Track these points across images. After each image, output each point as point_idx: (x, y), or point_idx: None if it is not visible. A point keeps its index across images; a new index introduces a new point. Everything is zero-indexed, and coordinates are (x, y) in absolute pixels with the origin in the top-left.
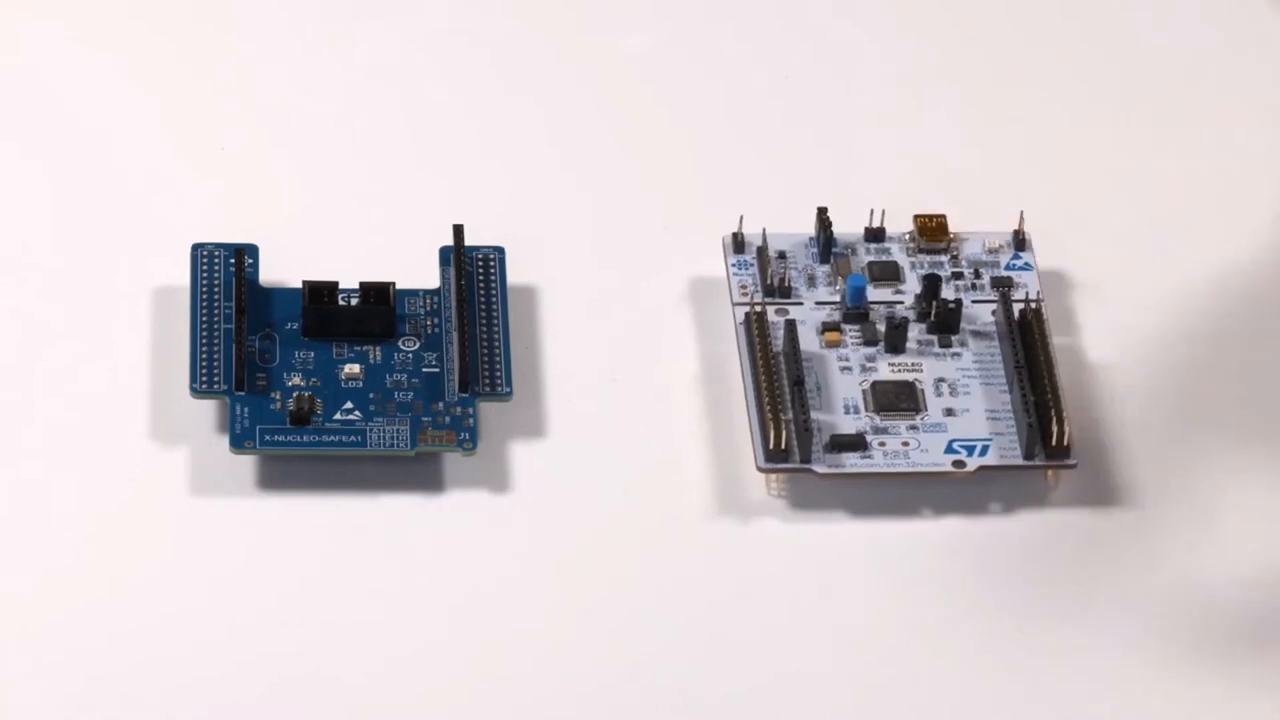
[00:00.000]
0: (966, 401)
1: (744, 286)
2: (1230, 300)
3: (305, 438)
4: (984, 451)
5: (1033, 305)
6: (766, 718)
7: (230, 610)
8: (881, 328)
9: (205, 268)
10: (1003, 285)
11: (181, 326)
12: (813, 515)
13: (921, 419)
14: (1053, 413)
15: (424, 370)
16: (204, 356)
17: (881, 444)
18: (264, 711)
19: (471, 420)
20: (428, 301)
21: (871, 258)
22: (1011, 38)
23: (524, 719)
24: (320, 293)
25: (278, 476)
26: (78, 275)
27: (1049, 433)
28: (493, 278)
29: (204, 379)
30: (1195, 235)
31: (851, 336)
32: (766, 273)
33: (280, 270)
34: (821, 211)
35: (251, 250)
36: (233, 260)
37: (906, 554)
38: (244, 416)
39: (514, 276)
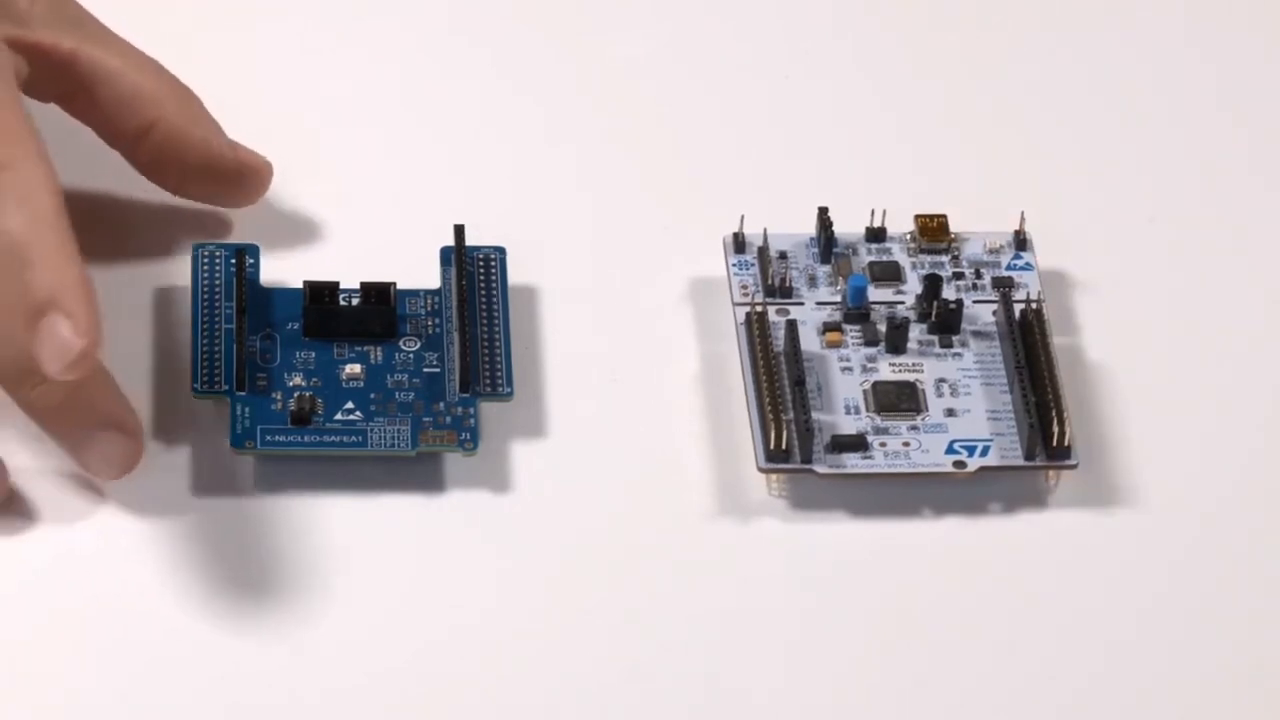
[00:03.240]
0: (967, 402)
1: (745, 286)
2: (1230, 300)
3: (306, 438)
4: (985, 452)
5: (1033, 305)
6: (767, 717)
7: (232, 610)
8: (882, 328)
9: (206, 268)
10: (1003, 285)
11: (183, 327)
12: (813, 515)
13: (922, 419)
14: (1053, 413)
15: (425, 370)
16: (205, 357)
17: (882, 444)
18: (265, 712)
19: (472, 420)
20: (428, 301)
21: (872, 258)
22: (1012, 38)
23: (525, 719)
24: (321, 293)
25: (278, 476)
26: None
27: (1050, 433)
28: (493, 278)
29: (205, 379)
30: (1195, 235)
31: (852, 336)
32: (767, 273)
33: (281, 271)
34: (822, 211)
35: (252, 250)
36: (233, 260)
37: (906, 554)
38: (245, 416)
39: (515, 276)
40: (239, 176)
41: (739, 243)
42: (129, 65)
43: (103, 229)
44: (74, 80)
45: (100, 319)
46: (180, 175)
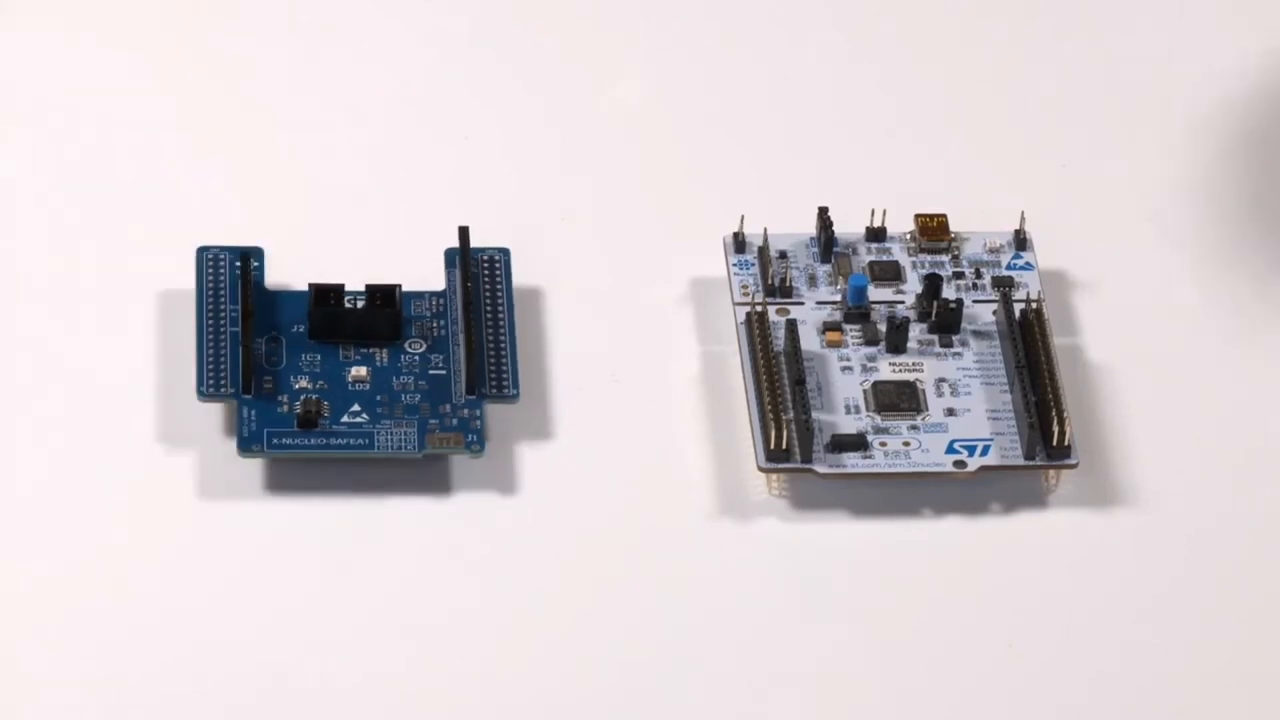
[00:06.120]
0: (967, 401)
1: (745, 286)
2: (1229, 299)
3: (313, 440)
4: (985, 451)
5: (1034, 305)
6: (767, 717)
7: (237, 613)
8: (882, 327)
9: (211, 271)
10: (1004, 285)
11: (187, 329)
12: (813, 515)
13: (922, 419)
14: (1053, 413)
15: (430, 372)
16: (210, 359)
17: (882, 444)
18: (269, 714)
19: (479, 422)
20: (434, 304)
21: (872, 257)
22: (1011, 38)
23: (527, 718)
24: (326, 296)
25: (285, 479)
26: (83, 278)
27: (1050, 433)
28: (498, 279)
29: (210, 382)
30: (1195, 235)
31: (852, 336)
32: (767, 272)
33: (286, 273)
34: (822, 211)
35: (257, 253)
36: (238, 264)
37: (906, 554)
38: (252, 420)
39: (516, 277)
40: None
41: (739, 243)
42: None
43: (108, 231)
44: None
45: None
46: None
